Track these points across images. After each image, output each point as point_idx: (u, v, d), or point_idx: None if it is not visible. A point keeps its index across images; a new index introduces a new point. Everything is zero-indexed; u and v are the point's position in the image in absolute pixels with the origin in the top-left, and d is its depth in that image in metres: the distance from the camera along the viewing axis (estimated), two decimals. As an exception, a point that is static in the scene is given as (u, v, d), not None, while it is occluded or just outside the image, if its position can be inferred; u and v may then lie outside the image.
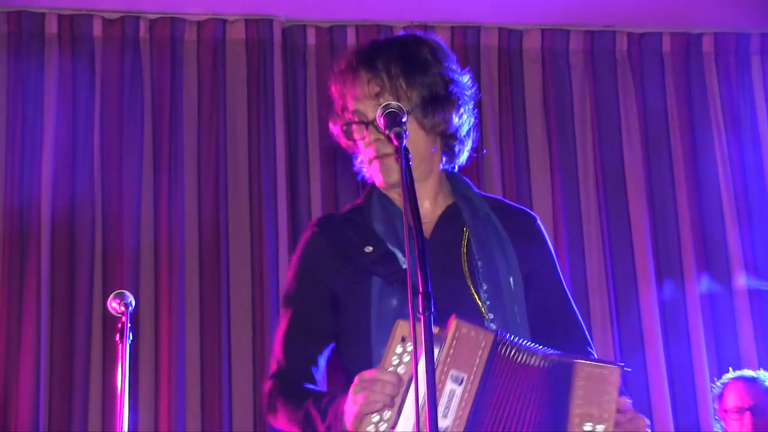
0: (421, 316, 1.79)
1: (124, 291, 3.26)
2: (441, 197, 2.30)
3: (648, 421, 2.06)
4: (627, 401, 2.01)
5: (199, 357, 4.60)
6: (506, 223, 2.26)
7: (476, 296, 2.17)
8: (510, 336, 2.04)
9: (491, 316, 2.16)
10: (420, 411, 1.85)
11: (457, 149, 2.28)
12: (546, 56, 5.26)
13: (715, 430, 4.30)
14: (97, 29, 4.85)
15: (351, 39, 5.06)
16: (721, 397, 4.21)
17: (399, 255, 2.17)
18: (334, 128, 2.27)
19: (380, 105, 2.05)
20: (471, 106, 2.28)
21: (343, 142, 2.27)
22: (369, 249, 2.20)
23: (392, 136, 1.96)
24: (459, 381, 2.03)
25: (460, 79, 2.26)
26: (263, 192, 4.78)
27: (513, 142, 5.12)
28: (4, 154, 4.67)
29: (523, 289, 2.20)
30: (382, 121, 2.01)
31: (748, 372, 4.31)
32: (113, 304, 3.23)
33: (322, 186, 4.88)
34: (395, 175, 2.16)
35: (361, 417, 1.93)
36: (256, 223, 4.76)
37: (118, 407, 3.23)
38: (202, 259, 4.70)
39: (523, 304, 2.19)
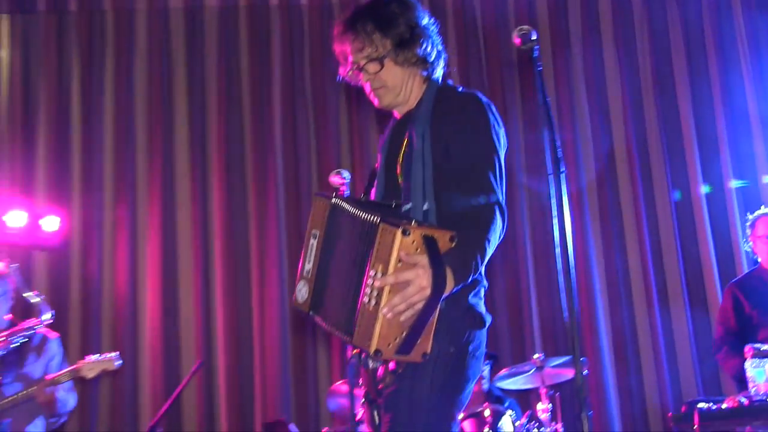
0: (554, 176, 2.13)
1: (342, 169, 3.41)
2: (414, 104, 2.37)
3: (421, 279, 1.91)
4: (418, 260, 1.91)
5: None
6: (438, 112, 2.25)
7: (399, 172, 2.23)
8: (346, 202, 2.15)
9: (403, 185, 2.20)
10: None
11: (430, 68, 2.33)
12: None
13: (745, 249, 4.52)
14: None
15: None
16: (753, 226, 4.31)
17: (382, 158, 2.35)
18: (343, 73, 2.37)
19: (365, 55, 2.26)
20: (434, 38, 2.34)
21: (351, 82, 2.39)
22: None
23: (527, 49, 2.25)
24: (315, 236, 2.16)
25: (422, 21, 2.32)
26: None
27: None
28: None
29: (440, 158, 2.18)
30: (518, 41, 2.28)
31: None
32: (334, 179, 3.32)
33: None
34: (384, 101, 2.33)
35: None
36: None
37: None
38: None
39: (428, 175, 2.17)
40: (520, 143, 5.26)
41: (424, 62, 2.29)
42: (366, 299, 1.93)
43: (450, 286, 1.94)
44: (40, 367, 3.86)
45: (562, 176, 2.11)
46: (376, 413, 2.16)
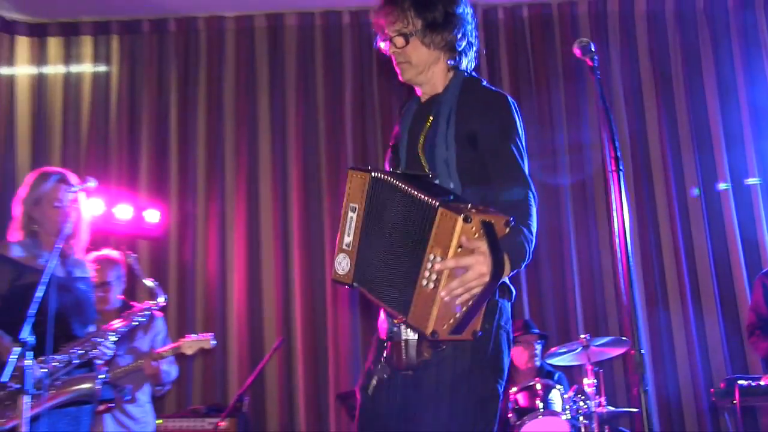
0: (614, 173, 2.10)
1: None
2: (439, 89, 2.29)
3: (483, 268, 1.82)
4: (478, 246, 1.82)
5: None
6: (465, 100, 2.20)
7: (420, 149, 2.19)
8: (388, 177, 2.03)
9: (427, 166, 2.16)
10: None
11: (457, 57, 2.27)
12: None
13: None
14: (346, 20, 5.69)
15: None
16: None
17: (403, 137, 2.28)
18: (379, 43, 2.32)
19: (395, 29, 2.22)
20: (468, 29, 2.27)
21: (385, 53, 2.32)
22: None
23: (586, 59, 2.25)
24: (354, 210, 2.05)
25: (460, 10, 2.25)
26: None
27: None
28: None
29: (462, 142, 2.13)
30: (578, 52, 2.25)
31: None
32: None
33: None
34: (406, 75, 2.28)
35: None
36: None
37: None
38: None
39: (452, 156, 2.12)
40: (564, 145, 5.38)
41: (451, 49, 2.23)
42: (424, 282, 1.85)
43: (507, 271, 1.91)
44: (148, 342, 4.07)
45: (621, 174, 2.10)
46: (373, 383, 2.11)
